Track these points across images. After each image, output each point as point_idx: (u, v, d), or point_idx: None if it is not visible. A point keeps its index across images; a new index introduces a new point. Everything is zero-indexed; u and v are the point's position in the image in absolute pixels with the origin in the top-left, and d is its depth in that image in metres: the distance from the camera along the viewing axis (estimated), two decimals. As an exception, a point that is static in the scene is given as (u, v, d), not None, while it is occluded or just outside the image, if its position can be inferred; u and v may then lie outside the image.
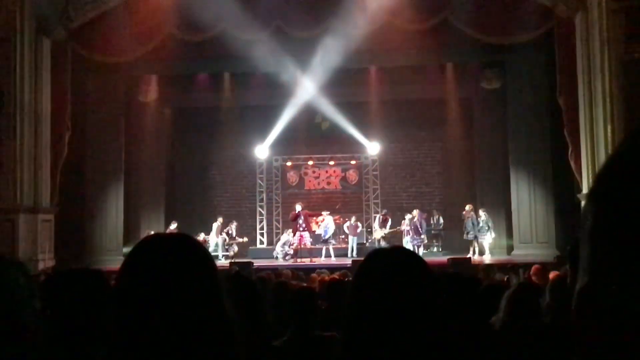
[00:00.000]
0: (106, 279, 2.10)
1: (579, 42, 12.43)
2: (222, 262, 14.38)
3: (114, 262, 13.56)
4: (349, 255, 16.08)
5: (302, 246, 15.82)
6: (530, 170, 15.53)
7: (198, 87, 17.80)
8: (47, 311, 1.89)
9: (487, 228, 15.88)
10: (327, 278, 6.87)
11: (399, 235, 16.43)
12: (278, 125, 17.73)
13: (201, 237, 15.83)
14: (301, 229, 15.86)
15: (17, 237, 12.16)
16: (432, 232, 17.46)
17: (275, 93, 16.87)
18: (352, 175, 19.26)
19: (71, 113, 13.87)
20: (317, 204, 18.63)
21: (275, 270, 8.69)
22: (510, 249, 15.93)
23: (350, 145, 18.48)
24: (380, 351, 1.31)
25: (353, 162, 19.06)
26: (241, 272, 6.29)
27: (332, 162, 19.15)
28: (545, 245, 14.96)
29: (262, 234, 18.95)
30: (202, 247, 1.31)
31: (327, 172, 19.34)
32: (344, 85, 16.65)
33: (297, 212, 16.15)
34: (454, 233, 17.07)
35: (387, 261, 1.42)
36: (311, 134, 18.78)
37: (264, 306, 3.40)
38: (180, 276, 1.21)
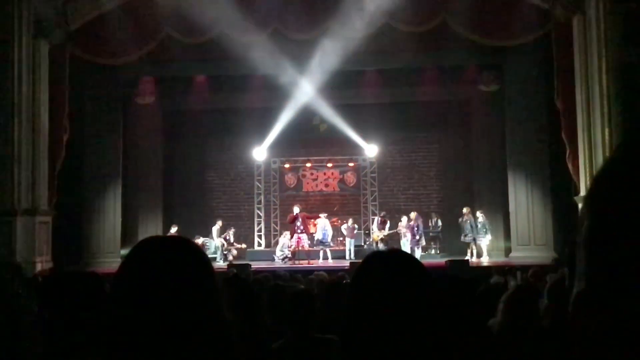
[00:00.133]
0: (101, 281, 2.09)
1: (577, 45, 12.46)
2: (220, 265, 14.38)
3: (111, 264, 13.56)
4: (347, 257, 16.08)
5: (300, 248, 15.83)
6: (528, 173, 15.55)
7: (196, 89, 17.79)
8: (45, 314, 1.89)
9: (484, 230, 15.90)
10: (325, 280, 6.86)
11: (397, 237, 16.43)
12: (276, 128, 17.72)
13: (200, 240, 15.83)
14: (299, 231, 15.87)
15: (14, 240, 12.14)
16: (430, 234, 17.46)
17: (273, 95, 16.87)
18: (350, 178, 19.26)
19: (69, 115, 13.86)
20: (315, 206, 18.64)
21: (273, 272, 8.69)
22: (508, 251, 15.94)
23: (348, 148, 18.48)
24: (379, 353, 1.31)
25: (351, 164, 19.06)
26: (239, 275, 6.29)
27: (330, 164, 19.14)
28: (543, 248, 14.97)
29: (259, 236, 18.93)
30: (199, 249, 1.31)
31: (325, 174, 19.33)
32: (342, 87, 16.66)
33: (295, 214, 16.16)
34: (452, 235, 17.07)
35: (385, 264, 1.43)
36: (309, 136, 18.79)
37: (262, 308, 3.40)
38: (178, 278, 1.21)
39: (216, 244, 16.81)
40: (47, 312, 1.92)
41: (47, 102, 13.14)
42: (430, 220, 17.57)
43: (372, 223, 17.75)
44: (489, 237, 15.95)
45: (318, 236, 16.59)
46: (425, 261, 10.90)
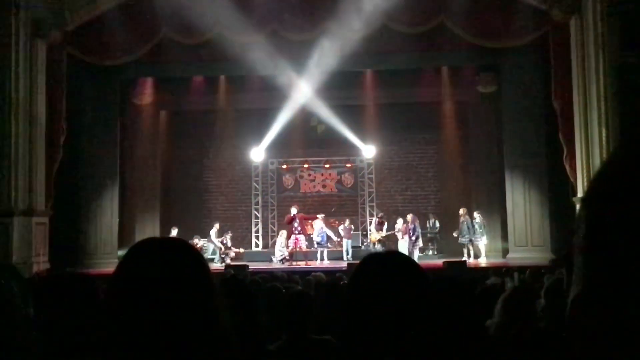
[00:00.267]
0: (94, 282, 2.09)
1: (574, 46, 12.49)
2: (218, 266, 14.37)
3: (108, 265, 13.53)
4: (344, 258, 16.07)
5: (298, 249, 15.82)
6: (525, 174, 15.55)
7: (194, 90, 17.79)
8: (40, 316, 1.88)
9: (481, 231, 15.91)
10: (322, 281, 6.86)
11: (395, 238, 16.42)
12: (274, 128, 17.72)
13: (199, 242, 15.81)
14: (297, 232, 15.86)
15: (11, 240, 12.12)
16: (428, 235, 17.46)
17: (271, 96, 16.87)
18: (348, 179, 19.24)
19: (66, 116, 13.84)
20: (313, 207, 18.62)
21: (270, 273, 8.69)
22: (505, 252, 15.95)
23: (346, 149, 18.49)
24: (376, 354, 1.31)
25: (349, 165, 19.05)
26: (236, 276, 6.28)
27: (327, 165, 19.13)
28: (541, 249, 14.97)
29: (257, 237, 18.92)
30: (195, 251, 1.31)
31: (322, 175, 19.32)
32: (340, 88, 16.67)
33: (292, 215, 16.15)
34: (449, 236, 17.07)
35: (382, 265, 1.43)
36: (307, 137, 18.79)
37: (259, 309, 3.40)
38: (175, 279, 1.21)
39: (214, 246, 16.80)
40: (42, 313, 1.91)
41: (44, 102, 13.13)
42: (427, 222, 17.57)
43: (370, 224, 17.74)
44: (485, 238, 15.96)
45: (315, 237, 16.58)
46: (422, 262, 10.91)
